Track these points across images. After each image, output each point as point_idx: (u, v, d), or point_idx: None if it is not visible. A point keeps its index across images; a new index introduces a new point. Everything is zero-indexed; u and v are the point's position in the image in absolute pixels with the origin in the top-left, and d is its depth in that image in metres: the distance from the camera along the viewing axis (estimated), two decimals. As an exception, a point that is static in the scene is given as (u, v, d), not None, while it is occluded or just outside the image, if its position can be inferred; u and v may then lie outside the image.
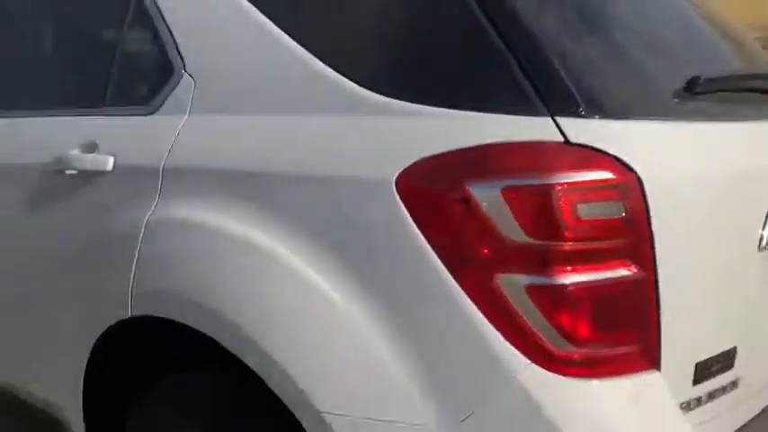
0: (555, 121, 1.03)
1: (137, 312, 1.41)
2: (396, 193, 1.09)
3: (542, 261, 1.00)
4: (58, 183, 1.63)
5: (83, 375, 1.60)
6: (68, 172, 1.60)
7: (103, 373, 1.59)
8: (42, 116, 1.77)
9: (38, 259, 1.70)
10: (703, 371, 1.14)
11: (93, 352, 1.55)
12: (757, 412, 1.33)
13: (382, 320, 1.10)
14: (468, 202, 1.02)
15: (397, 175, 1.09)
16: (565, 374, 1.01)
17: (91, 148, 1.57)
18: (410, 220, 1.07)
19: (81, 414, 1.65)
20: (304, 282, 1.17)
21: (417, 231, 1.07)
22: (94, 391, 1.62)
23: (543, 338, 1.01)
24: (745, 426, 1.28)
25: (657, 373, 1.06)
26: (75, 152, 1.59)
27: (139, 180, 1.45)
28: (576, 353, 1.02)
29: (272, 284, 1.22)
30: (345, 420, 1.12)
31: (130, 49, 1.65)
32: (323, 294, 1.15)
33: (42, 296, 1.68)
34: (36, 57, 1.99)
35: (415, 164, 1.08)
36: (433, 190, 1.06)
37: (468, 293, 1.03)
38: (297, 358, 1.17)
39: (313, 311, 1.17)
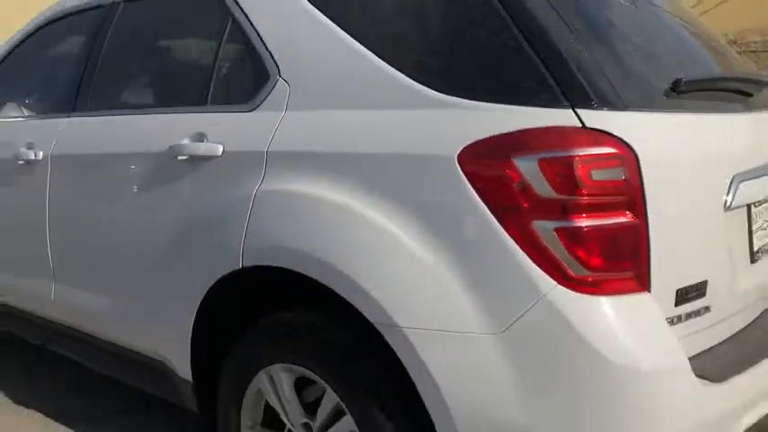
0: (575, 112, 1.43)
1: (247, 264, 1.82)
2: (457, 166, 1.49)
3: (566, 210, 1.41)
4: (171, 166, 2.04)
5: (192, 325, 2.00)
6: (180, 158, 2.01)
7: (210, 319, 2.00)
8: (155, 114, 2.18)
9: (154, 231, 2.10)
10: (682, 296, 1.54)
11: (203, 302, 1.96)
12: (728, 336, 1.73)
13: (445, 257, 1.50)
14: (513, 170, 1.43)
15: (458, 152, 1.50)
16: (581, 292, 1.41)
17: (199, 138, 1.98)
18: (468, 184, 1.48)
19: (188, 359, 2.05)
20: (383, 230, 1.57)
21: (474, 192, 1.47)
22: (200, 338, 2.03)
23: (566, 266, 1.41)
24: (717, 345, 1.69)
25: (648, 294, 1.47)
26: (186, 141, 2.00)
27: (246, 162, 1.85)
28: (590, 276, 1.42)
29: (358, 234, 1.62)
30: (419, 333, 1.52)
31: (229, 59, 2.06)
32: (399, 239, 1.55)
33: (160, 261, 2.07)
34: (151, 66, 2.41)
35: (473, 143, 1.48)
36: (488, 162, 1.47)
37: (511, 235, 1.43)
38: (380, 288, 1.57)
39: (391, 252, 1.56)
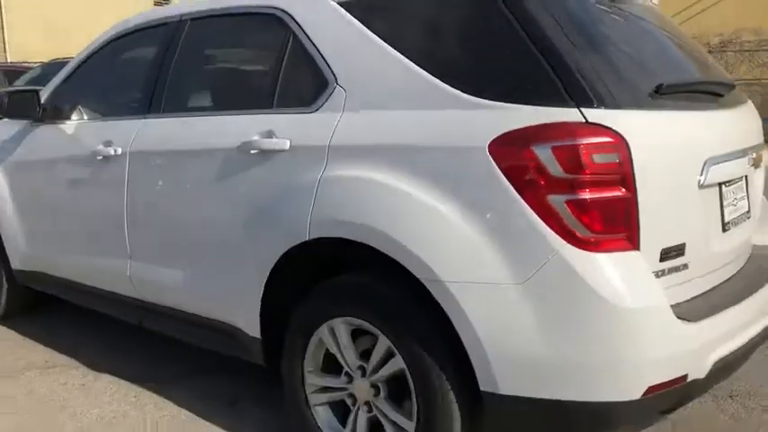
0: (580, 110, 1.85)
1: (312, 236, 2.23)
2: (488, 153, 1.91)
3: (574, 186, 1.82)
4: (244, 158, 2.46)
5: (262, 292, 2.42)
6: (252, 151, 2.43)
7: (278, 283, 2.41)
8: (226, 115, 2.60)
9: (228, 211, 2.52)
10: (665, 254, 1.95)
11: (273, 270, 2.38)
12: (706, 289, 2.15)
13: (477, 225, 1.91)
14: (532, 155, 1.85)
15: (488, 142, 1.91)
16: (585, 250, 1.83)
17: (269, 135, 2.40)
18: (496, 167, 1.89)
19: (258, 320, 2.46)
20: (427, 205, 1.98)
21: (501, 174, 1.89)
22: (268, 301, 2.44)
23: (574, 230, 1.83)
24: (697, 296, 2.10)
25: (638, 251, 1.88)
26: (257, 138, 2.42)
27: (311, 154, 2.27)
28: (592, 238, 1.83)
29: (406, 208, 2.02)
30: (458, 285, 1.94)
31: (292, 69, 2.46)
32: (440, 212, 1.96)
33: (233, 239, 2.48)
34: (219, 74, 2.84)
35: (500, 135, 1.90)
36: (512, 150, 1.89)
37: (530, 206, 1.85)
38: (426, 251, 1.98)
39: (434, 222, 1.97)
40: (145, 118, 2.90)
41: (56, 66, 14.07)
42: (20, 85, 13.58)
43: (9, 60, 22.10)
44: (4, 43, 23.51)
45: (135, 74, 3.13)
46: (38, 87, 3.55)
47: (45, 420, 2.80)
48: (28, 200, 3.51)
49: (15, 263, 3.65)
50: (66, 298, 3.51)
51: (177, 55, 2.86)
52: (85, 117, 3.27)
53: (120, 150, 2.91)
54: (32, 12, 24.22)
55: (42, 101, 3.36)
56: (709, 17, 14.25)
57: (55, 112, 3.34)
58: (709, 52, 13.36)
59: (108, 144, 2.97)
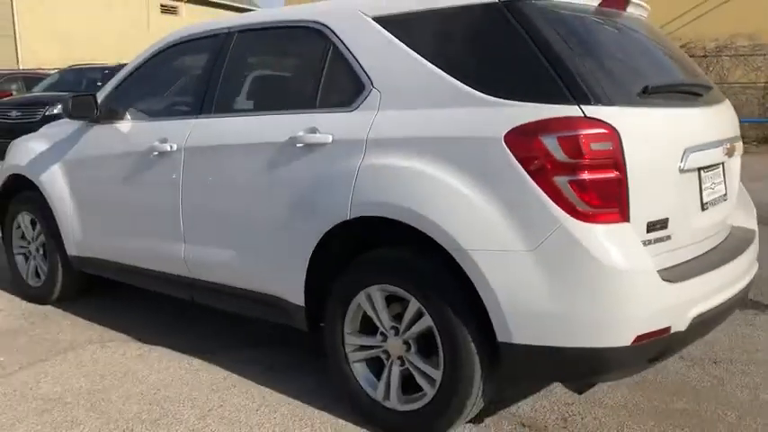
0: (579, 107, 2.25)
1: (353, 215, 2.63)
2: (503, 143, 2.31)
3: (575, 169, 2.22)
4: (291, 151, 2.86)
5: (307, 265, 2.81)
6: (298, 145, 2.83)
7: (320, 258, 2.81)
8: (273, 115, 3.01)
9: (276, 196, 2.92)
10: (651, 226, 2.34)
11: (317, 247, 2.78)
12: (688, 258, 2.54)
13: (495, 202, 2.31)
14: (541, 144, 2.25)
15: (504, 133, 2.31)
16: (585, 222, 2.22)
17: (313, 131, 2.80)
18: (511, 154, 2.29)
19: (302, 291, 2.86)
20: (452, 187, 2.38)
21: (514, 160, 2.29)
22: (312, 273, 2.84)
23: (575, 205, 2.22)
24: (678, 264, 2.50)
25: (628, 223, 2.28)
26: (302, 133, 2.82)
27: (351, 146, 2.67)
28: (590, 212, 2.23)
29: (435, 190, 2.42)
30: (480, 252, 2.33)
31: (332, 74, 2.86)
32: (463, 192, 2.36)
33: (281, 220, 2.88)
34: (265, 78, 3.26)
35: (514, 128, 2.30)
36: (524, 140, 2.28)
37: (539, 186, 2.25)
38: (452, 225, 2.37)
39: (459, 201, 2.37)
40: (197, 118, 3.30)
41: (71, 72, 14.57)
42: (38, 90, 14.08)
43: (21, 67, 22.61)
44: (16, 51, 24.04)
45: (186, 79, 3.54)
46: (93, 93, 3.95)
47: (113, 382, 3.19)
48: (85, 192, 3.91)
49: (71, 249, 4.05)
50: (121, 279, 3.91)
51: (227, 62, 3.26)
52: (139, 118, 3.67)
53: (175, 146, 3.31)
54: (43, 22, 24.79)
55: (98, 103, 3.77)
56: (706, 23, 14.70)
57: (110, 114, 3.75)
58: (705, 57, 13.80)
59: (164, 141, 3.37)
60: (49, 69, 19.33)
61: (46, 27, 24.95)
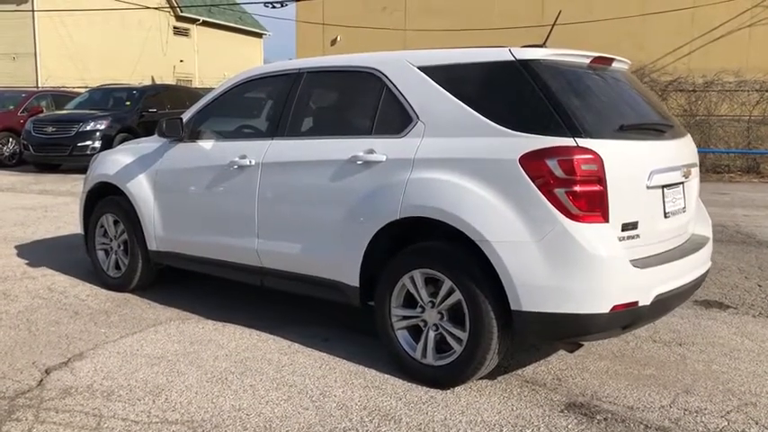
0: (574, 139, 3.13)
1: (402, 216, 3.49)
2: (518, 163, 3.18)
3: (570, 183, 3.09)
4: (352, 167, 3.73)
5: (363, 254, 3.67)
6: (358, 162, 3.71)
7: (372, 249, 3.66)
8: (337, 138, 3.89)
9: (340, 201, 3.78)
10: (625, 226, 3.20)
11: (371, 241, 3.63)
12: (653, 254, 3.40)
13: (511, 207, 3.18)
14: (546, 165, 3.12)
15: (518, 156, 3.19)
16: (576, 221, 3.09)
17: (370, 151, 3.68)
18: (524, 172, 3.16)
19: (358, 274, 3.71)
20: (479, 195, 3.24)
21: (526, 175, 3.16)
22: (365, 262, 3.69)
23: (569, 209, 3.09)
24: (645, 257, 3.35)
25: (608, 224, 3.14)
26: (361, 153, 3.70)
27: (401, 164, 3.54)
28: (580, 214, 3.09)
29: (467, 197, 3.28)
30: (499, 243, 3.19)
31: (386, 108, 3.74)
32: (488, 199, 3.22)
33: (343, 220, 3.73)
34: (331, 109, 4.15)
35: (526, 153, 3.16)
36: (534, 162, 3.15)
37: (543, 195, 3.11)
38: (479, 223, 3.23)
39: (484, 206, 3.23)
40: (272, 139, 4.18)
41: (99, 92, 15.53)
42: (70, 107, 14.96)
43: (41, 85, 23.55)
44: (36, 70, 25.03)
45: (262, 108, 4.42)
46: (180, 116, 4.82)
47: (201, 347, 4.02)
48: (169, 197, 4.77)
49: (152, 245, 4.89)
50: (195, 269, 4.75)
51: (297, 96, 4.14)
52: (218, 138, 4.55)
53: (253, 161, 4.18)
54: (61, 42, 25.83)
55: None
56: (696, 59, 15.79)
57: (193, 134, 4.62)
58: (694, 91, 14.77)
59: (243, 157, 4.24)
60: (71, 87, 20.24)
61: (64, 47, 25.97)
